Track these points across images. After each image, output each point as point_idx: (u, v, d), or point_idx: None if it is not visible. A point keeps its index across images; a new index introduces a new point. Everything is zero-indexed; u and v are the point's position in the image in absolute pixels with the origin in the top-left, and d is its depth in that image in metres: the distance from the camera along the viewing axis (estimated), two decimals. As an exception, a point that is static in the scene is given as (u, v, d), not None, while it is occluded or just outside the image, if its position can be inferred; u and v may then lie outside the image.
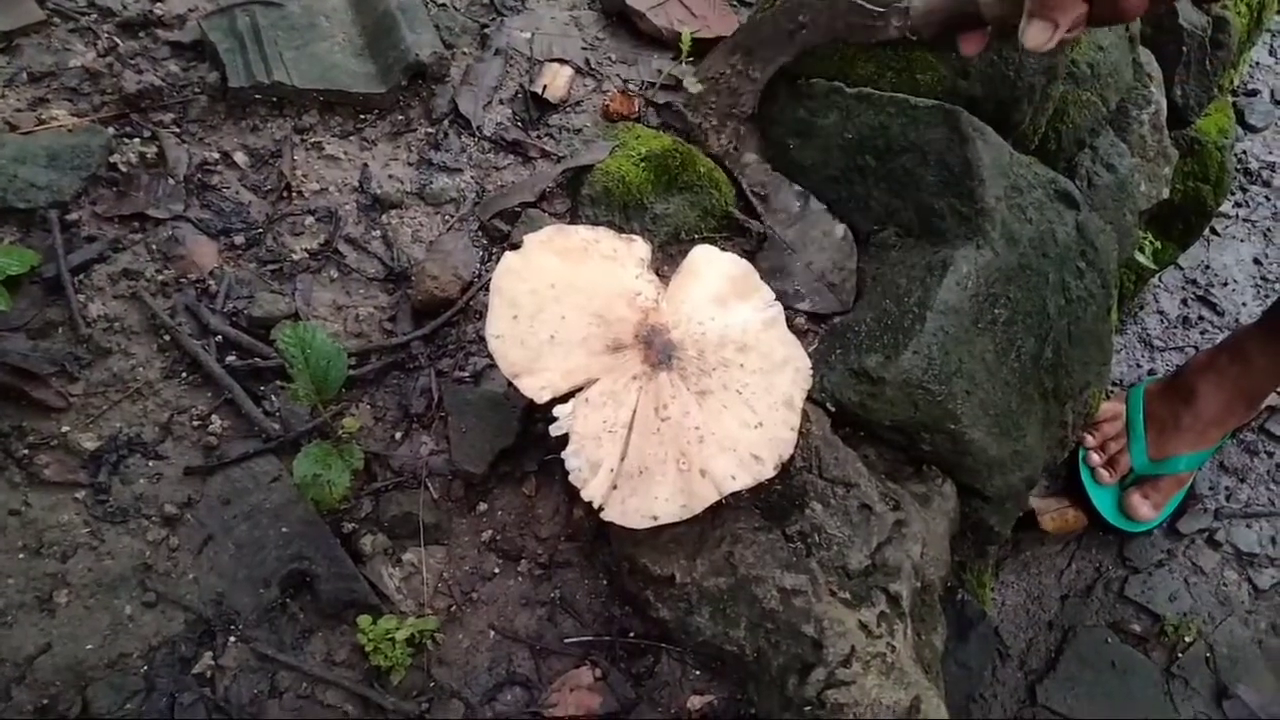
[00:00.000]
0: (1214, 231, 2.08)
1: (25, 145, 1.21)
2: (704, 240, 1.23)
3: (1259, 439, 1.75)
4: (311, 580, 0.99)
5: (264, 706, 0.94)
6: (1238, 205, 2.15)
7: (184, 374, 1.11)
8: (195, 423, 1.08)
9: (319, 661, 0.96)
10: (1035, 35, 0.93)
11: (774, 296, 1.06)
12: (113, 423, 1.07)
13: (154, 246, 1.19)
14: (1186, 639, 1.52)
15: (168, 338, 1.12)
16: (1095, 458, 1.56)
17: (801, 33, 1.12)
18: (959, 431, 1.08)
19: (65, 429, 1.05)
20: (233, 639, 0.97)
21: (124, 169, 1.23)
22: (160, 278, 1.17)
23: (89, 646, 0.94)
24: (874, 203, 1.21)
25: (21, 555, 0.98)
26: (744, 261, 1.07)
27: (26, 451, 1.03)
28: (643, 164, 1.24)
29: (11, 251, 1.09)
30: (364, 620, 0.95)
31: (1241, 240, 2.08)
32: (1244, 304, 1.97)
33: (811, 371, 1.02)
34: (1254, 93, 2.32)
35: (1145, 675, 1.48)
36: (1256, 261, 2.05)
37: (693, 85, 1.19)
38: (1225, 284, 2.00)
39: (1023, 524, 1.56)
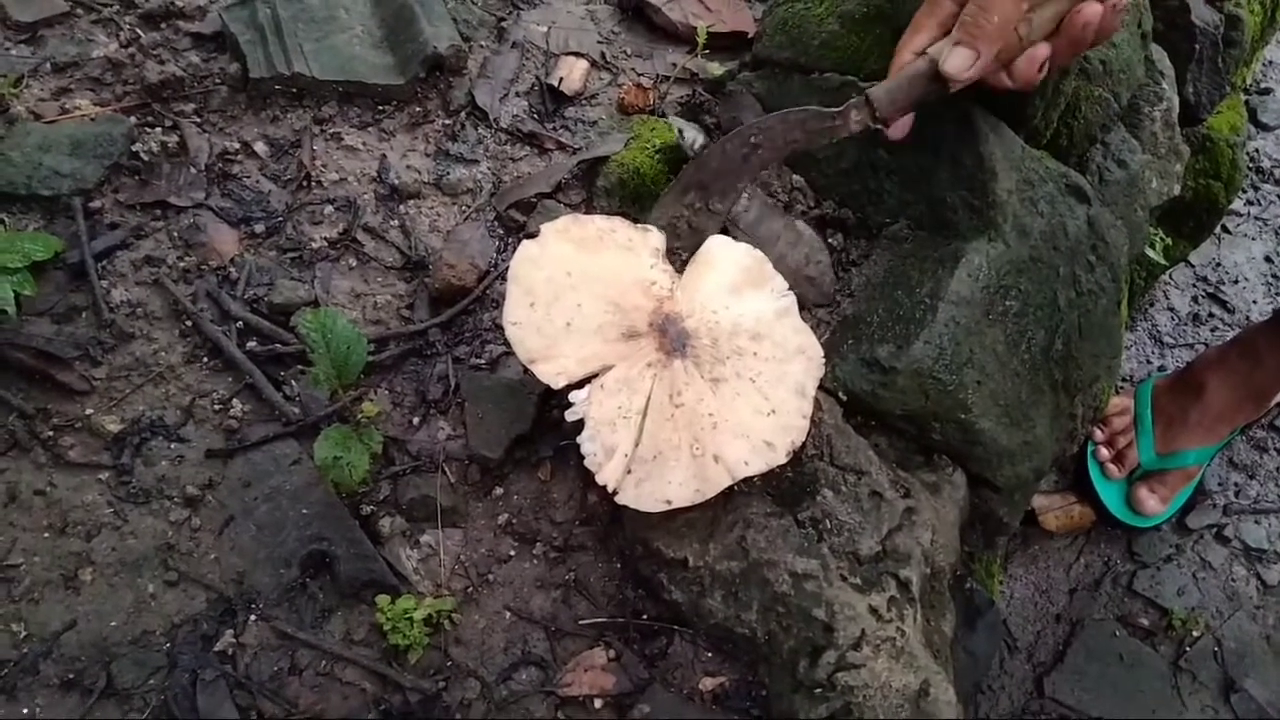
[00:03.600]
0: (1225, 229, 2.08)
1: (49, 134, 1.23)
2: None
3: (1269, 436, 1.76)
4: (331, 561, 1.01)
5: (284, 683, 0.95)
6: (1249, 203, 2.15)
7: (205, 359, 1.13)
8: (216, 406, 1.10)
9: (338, 640, 0.98)
10: (955, 62, 0.95)
11: (787, 286, 1.07)
12: (136, 406, 1.08)
13: (176, 234, 1.20)
14: (1194, 633, 1.53)
15: (189, 323, 1.14)
16: (1103, 452, 1.57)
17: (757, 153, 1.08)
18: (969, 421, 1.09)
19: (89, 412, 1.07)
20: (253, 617, 0.98)
21: (146, 158, 1.25)
22: (182, 264, 1.18)
23: (113, 623, 0.96)
24: (887, 196, 1.22)
25: (47, 534, 1.00)
26: (757, 251, 1.08)
27: (51, 433, 1.05)
28: (657, 156, 1.25)
29: (36, 238, 1.11)
30: (382, 600, 0.97)
31: (1253, 238, 2.09)
32: (1255, 302, 1.97)
33: (824, 360, 1.03)
34: (1267, 91, 2.32)
35: (1153, 669, 1.49)
36: (1268, 259, 2.05)
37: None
38: (1236, 281, 2.00)
39: (1032, 518, 1.57)
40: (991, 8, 0.93)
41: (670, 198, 1.11)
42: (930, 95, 1.01)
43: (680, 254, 1.08)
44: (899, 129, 1.07)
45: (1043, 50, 0.97)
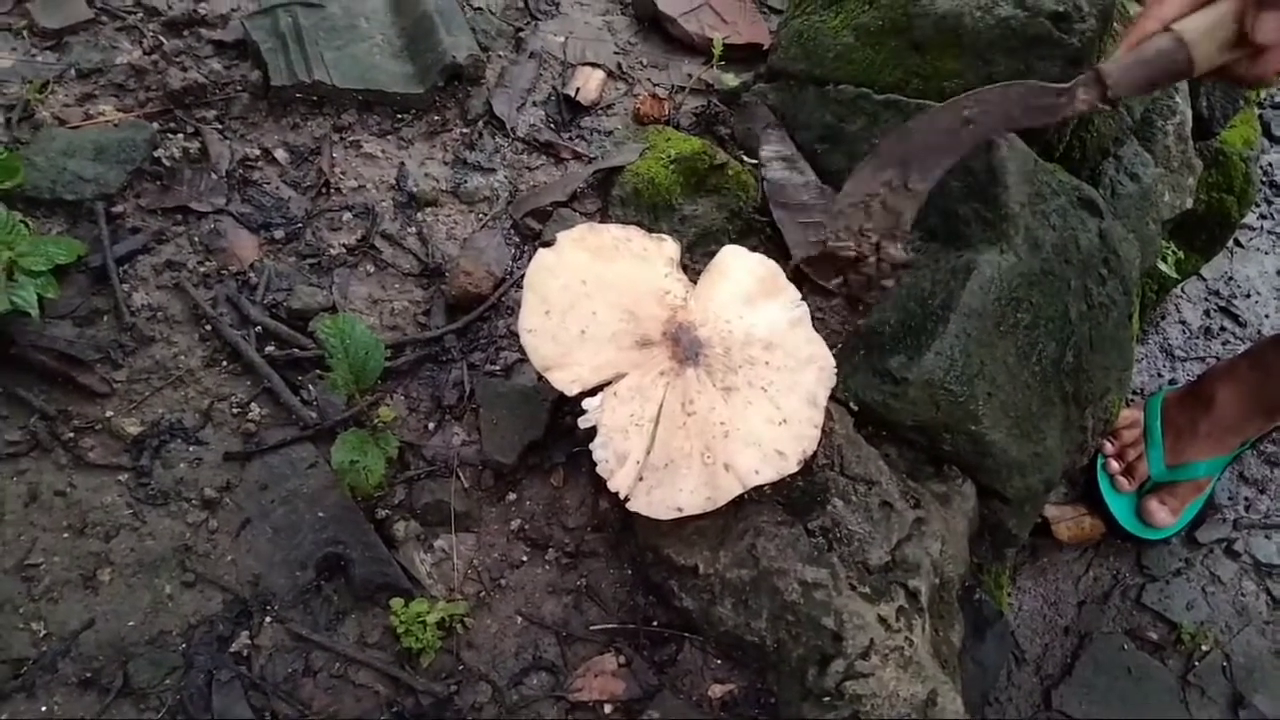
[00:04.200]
0: (1238, 243, 2.08)
1: (73, 139, 1.25)
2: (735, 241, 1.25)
3: (1279, 450, 1.76)
4: (346, 564, 1.02)
5: (298, 685, 0.96)
6: (1262, 217, 2.15)
7: (224, 363, 1.14)
8: (235, 410, 1.11)
9: (352, 642, 0.99)
10: (1267, 27, 0.84)
11: (800, 297, 1.08)
12: (155, 408, 1.10)
13: (196, 239, 1.22)
14: (1203, 648, 1.52)
15: (209, 327, 1.16)
16: (1113, 465, 1.57)
17: (969, 128, 0.97)
18: (980, 432, 1.09)
19: (109, 414, 1.08)
20: (269, 619, 0.99)
21: (168, 163, 1.27)
22: (202, 269, 1.20)
23: (130, 623, 0.97)
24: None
25: (66, 534, 1.01)
26: (771, 262, 1.09)
27: (72, 435, 1.06)
28: (672, 166, 1.27)
29: (60, 242, 1.13)
30: (396, 603, 0.98)
31: (1265, 252, 2.09)
32: (1266, 316, 1.97)
33: (835, 370, 1.04)
34: (1281, 106, 2.32)
35: (1161, 683, 1.48)
36: (1280, 273, 2.05)
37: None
38: (1248, 295, 2.00)
39: (1041, 529, 1.57)
40: None
41: (865, 173, 1.02)
42: (1170, 77, 0.91)
43: (870, 236, 0.98)
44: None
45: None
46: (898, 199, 1.02)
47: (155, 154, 1.27)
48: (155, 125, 1.30)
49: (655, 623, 1.03)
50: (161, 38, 1.39)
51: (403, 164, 1.34)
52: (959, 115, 0.98)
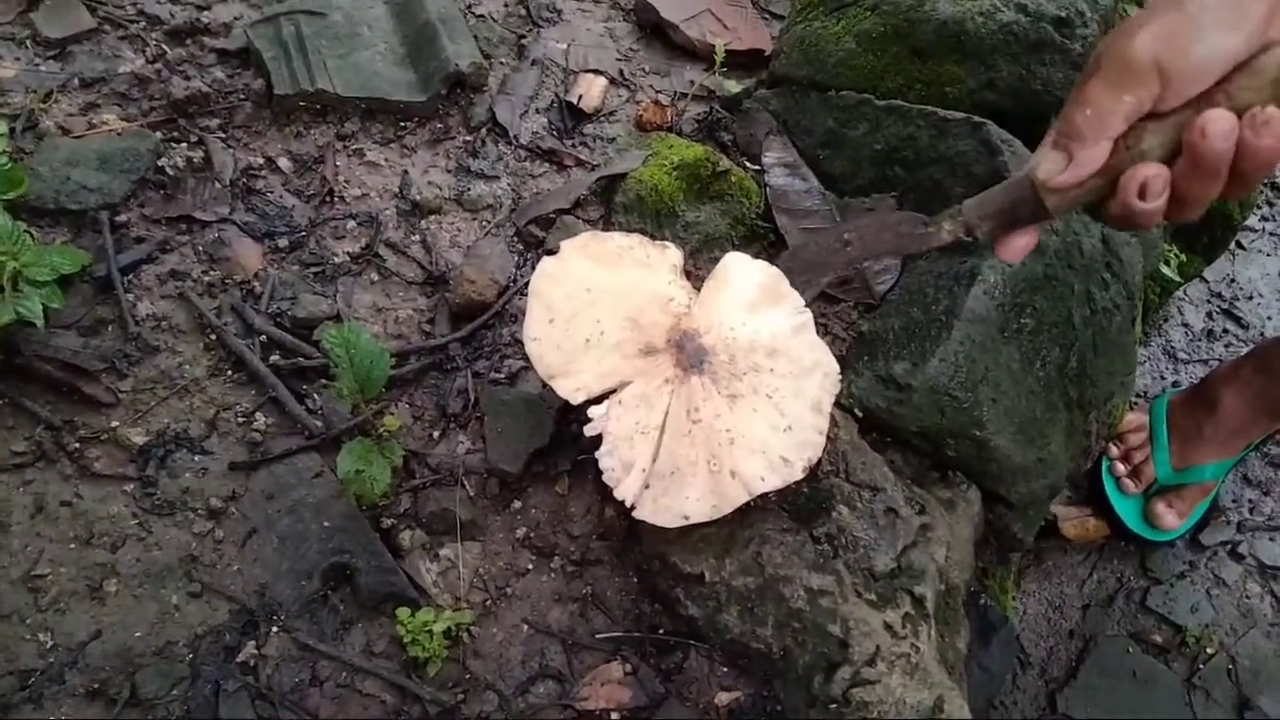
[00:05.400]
0: (1240, 245, 2.08)
1: (77, 149, 1.25)
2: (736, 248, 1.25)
3: (1284, 452, 1.76)
4: (352, 573, 1.02)
5: (305, 694, 0.96)
6: (1264, 219, 2.15)
7: (229, 372, 1.14)
8: (240, 419, 1.11)
9: (358, 652, 0.99)
10: (1045, 166, 0.80)
11: (804, 303, 1.08)
12: (160, 418, 1.10)
13: (201, 248, 1.22)
14: (1208, 650, 1.52)
15: (214, 337, 1.16)
16: (1120, 468, 1.57)
17: (847, 250, 1.03)
18: (984, 438, 1.10)
19: (115, 424, 1.09)
20: (275, 629, 1.00)
21: (172, 172, 1.27)
22: (207, 278, 1.20)
23: (137, 634, 0.97)
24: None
25: (73, 545, 1.01)
26: (774, 269, 1.09)
27: (77, 445, 1.06)
28: (675, 173, 1.27)
29: (64, 251, 1.13)
30: (402, 612, 0.98)
31: (1268, 254, 2.09)
32: (1269, 317, 1.97)
33: (840, 377, 1.04)
34: (1283, 108, 2.32)
35: (1166, 686, 1.48)
36: (1282, 275, 2.05)
37: None
38: (1250, 297, 2.00)
39: (1045, 533, 1.57)
40: (1086, 101, 0.76)
41: None
42: (1025, 210, 0.85)
43: None
44: (1011, 251, 0.89)
45: (1149, 170, 0.76)
46: None
47: (159, 163, 1.27)
48: (159, 134, 1.30)
49: (661, 630, 1.03)
50: (164, 46, 1.40)
51: (406, 172, 1.34)
52: (841, 238, 1.04)
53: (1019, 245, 0.88)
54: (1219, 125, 0.72)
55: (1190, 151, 0.74)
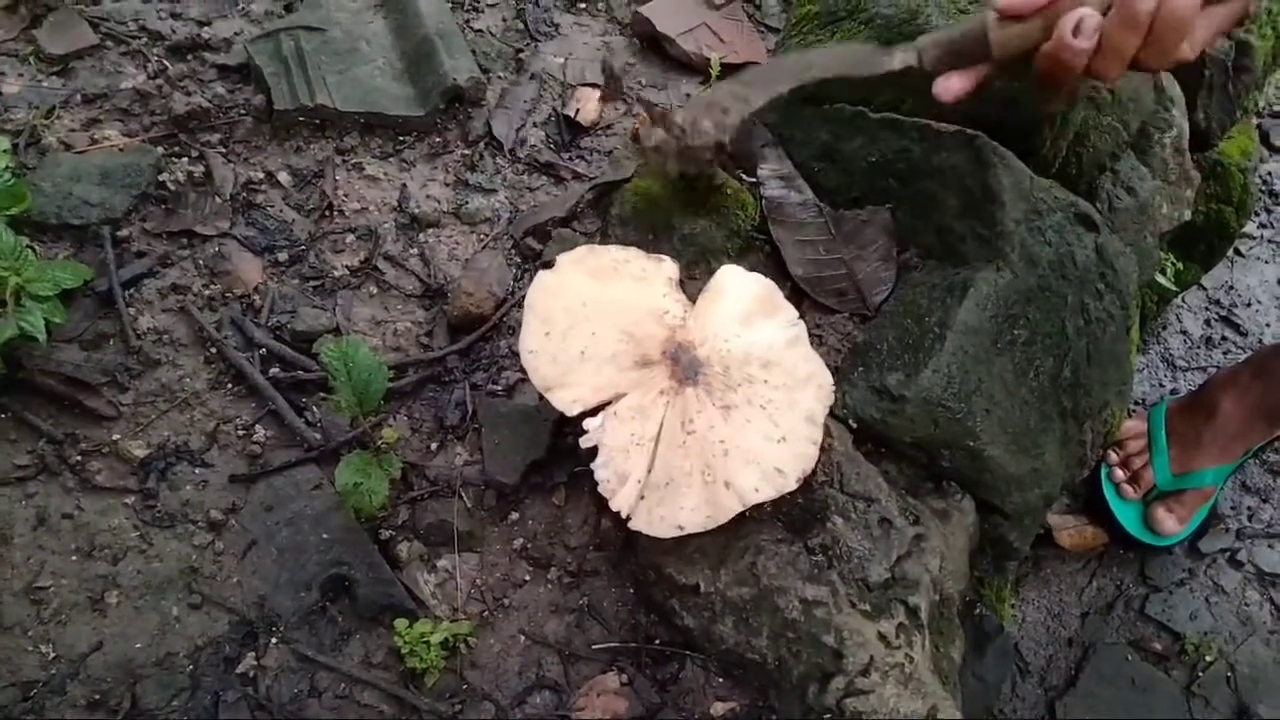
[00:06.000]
0: (1238, 252, 2.08)
1: (79, 164, 1.26)
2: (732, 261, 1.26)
3: (1282, 459, 1.76)
4: (350, 585, 1.03)
5: (304, 705, 0.97)
6: (1262, 226, 2.15)
7: (229, 385, 1.15)
8: (240, 432, 1.12)
9: (357, 663, 1.00)
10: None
11: (797, 315, 1.08)
12: (161, 431, 1.11)
13: (201, 262, 1.24)
14: (1207, 658, 1.52)
15: (214, 350, 1.17)
16: (1119, 474, 1.58)
17: (810, 70, 1.10)
18: (978, 449, 1.10)
19: (116, 437, 1.10)
20: (274, 640, 1.00)
21: (173, 187, 1.28)
22: (207, 292, 1.21)
23: (138, 645, 0.98)
24: (897, 225, 1.24)
25: (74, 557, 1.02)
26: (769, 281, 1.10)
27: (79, 458, 1.08)
28: (671, 186, 1.27)
29: (66, 266, 1.14)
30: (400, 624, 0.99)
31: (1266, 261, 2.09)
32: (1268, 325, 1.97)
33: (833, 388, 1.04)
34: (1280, 115, 2.33)
35: (1165, 693, 1.49)
36: (1280, 282, 2.06)
37: None
38: (1249, 305, 2.00)
39: (1043, 541, 1.58)
40: None
41: (723, 87, 1.15)
42: (972, 45, 0.95)
43: (698, 121, 1.10)
44: (946, 88, 1.00)
45: (1086, 10, 0.88)
46: (734, 103, 1.12)
47: (160, 178, 1.28)
48: (160, 150, 1.31)
49: (657, 641, 1.04)
50: (165, 62, 1.41)
51: (405, 186, 1.35)
52: (804, 60, 1.12)
53: (955, 84, 0.99)
54: None
55: (1120, 5, 0.86)
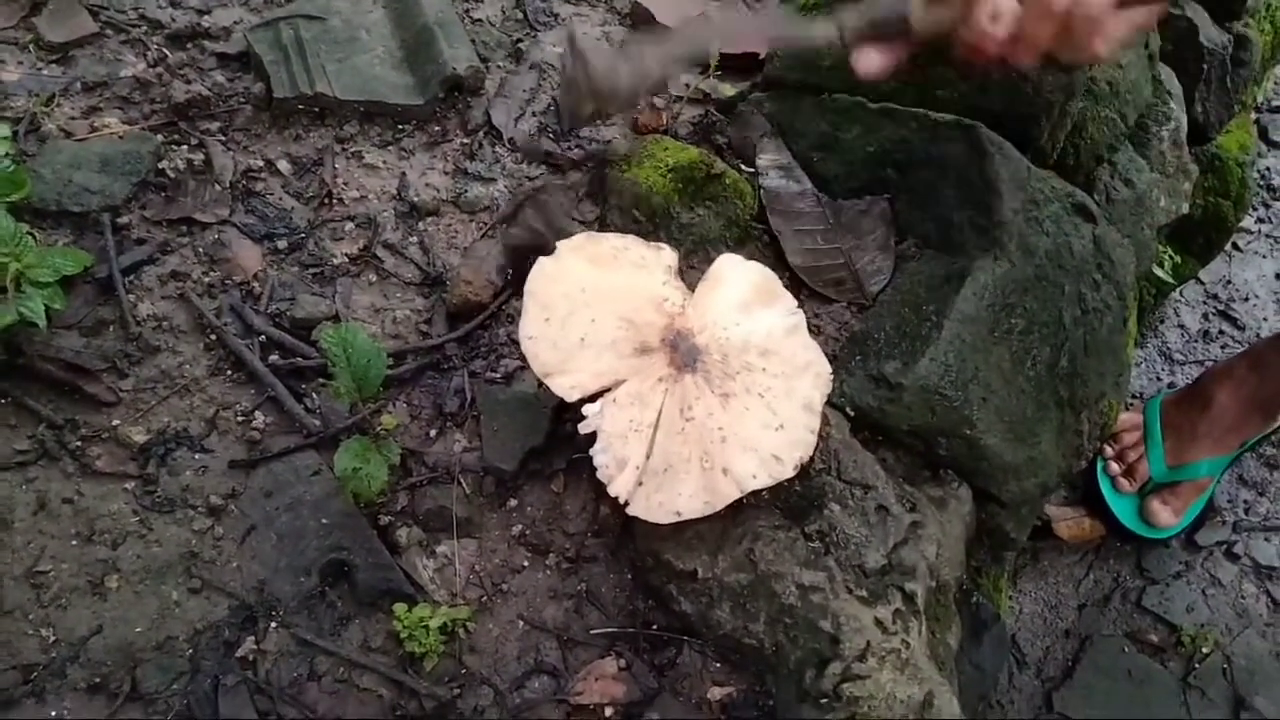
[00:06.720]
0: (1236, 246, 2.09)
1: (79, 152, 1.26)
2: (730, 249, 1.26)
3: (1279, 453, 1.77)
4: (349, 570, 1.03)
5: (303, 689, 0.97)
6: (1260, 221, 2.16)
7: (229, 372, 1.16)
8: (239, 418, 1.13)
9: (356, 647, 1.00)
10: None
11: (796, 304, 1.09)
12: (161, 417, 1.11)
13: (201, 249, 1.24)
14: (1204, 650, 1.53)
15: (214, 337, 1.17)
16: (1114, 467, 1.58)
17: (750, 22, 1.18)
18: (974, 437, 1.11)
19: (116, 422, 1.10)
20: (274, 624, 1.01)
21: (172, 175, 1.28)
22: (207, 279, 1.22)
23: (138, 629, 0.99)
24: (895, 215, 1.24)
25: (74, 542, 1.02)
26: (767, 270, 1.11)
27: (79, 443, 1.08)
28: (670, 175, 1.28)
29: (66, 253, 1.14)
30: (399, 608, 0.99)
31: (1264, 256, 2.10)
32: (1265, 319, 1.98)
33: (831, 376, 1.05)
34: (1279, 109, 2.33)
35: (1162, 685, 1.49)
36: (1278, 277, 2.06)
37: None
38: (1246, 299, 2.01)
39: (1041, 533, 1.58)
40: None
41: (644, 38, 1.19)
42: (893, 21, 0.96)
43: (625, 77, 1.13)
44: (865, 63, 1.01)
45: (1004, 1, 0.90)
46: (653, 56, 1.14)
47: (160, 166, 1.28)
48: (159, 137, 1.31)
49: (655, 626, 1.04)
50: (165, 50, 1.41)
51: (404, 174, 1.35)
52: (732, 20, 1.21)
53: (874, 60, 1.00)
54: None
55: None
